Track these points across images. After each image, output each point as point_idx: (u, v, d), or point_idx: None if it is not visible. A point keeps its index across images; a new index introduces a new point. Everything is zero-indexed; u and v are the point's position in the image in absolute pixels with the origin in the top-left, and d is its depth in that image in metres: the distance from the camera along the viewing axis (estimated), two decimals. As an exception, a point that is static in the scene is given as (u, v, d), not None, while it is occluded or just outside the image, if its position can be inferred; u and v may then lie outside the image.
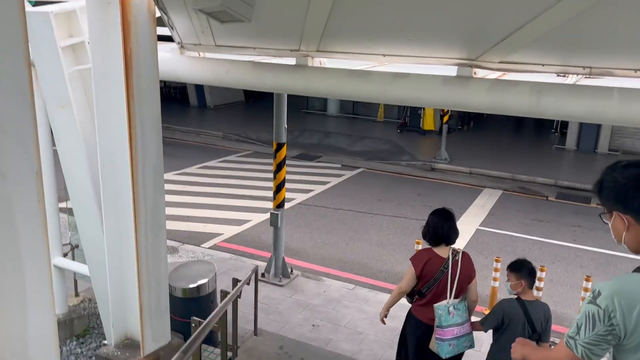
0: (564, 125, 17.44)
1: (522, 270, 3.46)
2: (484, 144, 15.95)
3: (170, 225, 9.12)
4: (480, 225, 9.59)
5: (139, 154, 3.48)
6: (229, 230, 8.90)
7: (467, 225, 9.50)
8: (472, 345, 3.64)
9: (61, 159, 4.08)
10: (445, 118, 13.62)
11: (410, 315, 3.85)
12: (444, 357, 3.54)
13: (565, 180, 12.36)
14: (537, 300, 3.60)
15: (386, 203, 10.66)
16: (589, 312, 1.66)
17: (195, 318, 3.72)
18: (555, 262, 8.11)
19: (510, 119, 20.78)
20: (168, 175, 12.02)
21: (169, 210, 9.76)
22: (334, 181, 11.99)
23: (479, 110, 3.44)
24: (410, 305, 3.89)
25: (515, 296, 3.50)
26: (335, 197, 10.94)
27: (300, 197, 10.72)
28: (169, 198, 10.59)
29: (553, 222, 9.88)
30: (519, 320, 3.39)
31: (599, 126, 14.67)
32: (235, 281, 4.50)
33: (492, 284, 6.41)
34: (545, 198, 11.45)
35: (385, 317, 3.90)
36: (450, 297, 3.50)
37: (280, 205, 6.86)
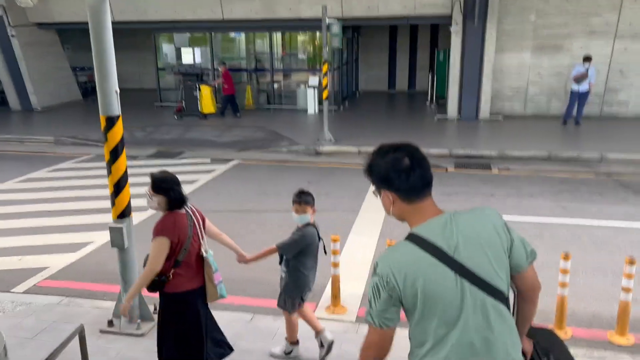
0: (440, 96, 16.84)
1: (297, 197, 3.86)
2: (364, 123, 14.56)
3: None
4: (389, 209, 7.93)
5: None
6: (59, 261, 6.18)
7: (375, 212, 7.78)
8: None
9: None
10: (325, 94, 11.89)
11: (173, 297, 3.53)
12: (227, 296, 3.77)
13: (459, 148, 11.32)
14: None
15: (273, 197, 8.59)
16: (373, 284, 1.86)
17: None
18: (488, 240, 6.69)
19: (382, 96, 19.92)
20: (-32, 196, 8.72)
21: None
22: (204, 178, 9.62)
23: None
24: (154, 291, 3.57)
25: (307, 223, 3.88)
26: (207, 197, 8.61)
27: (161, 203, 8.21)
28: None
29: (464, 194, 8.59)
30: (316, 240, 3.91)
31: (478, 93, 14.02)
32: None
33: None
34: (445, 170, 10.22)
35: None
36: (204, 243, 3.64)
37: (123, 215, 4.45)
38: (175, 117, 15.34)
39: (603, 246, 6.39)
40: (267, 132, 13.26)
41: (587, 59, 12.54)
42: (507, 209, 7.83)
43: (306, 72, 17.22)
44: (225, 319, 4.67)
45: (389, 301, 1.83)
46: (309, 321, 4.20)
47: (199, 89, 15.05)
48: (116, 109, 4.22)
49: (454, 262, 1.79)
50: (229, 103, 15.35)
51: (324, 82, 11.71)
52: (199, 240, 3.61)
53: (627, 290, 4.30)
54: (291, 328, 4.18)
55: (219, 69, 15.48)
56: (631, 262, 4.23)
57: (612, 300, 5.11)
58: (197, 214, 3.68)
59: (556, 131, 12.81)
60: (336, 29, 11.20)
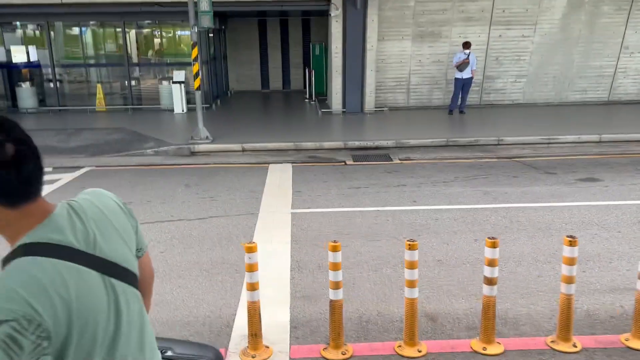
0: (319, 92, 15.83)
1: None
2: (243, 121, 12.93)
3: None
4: (293, 209, 6.47)
5: None
6: None
7: (279, 213, 6.28)
8: None
9: None
10: (196, 83, 10.07)
11: None
12: None
13: (353, 141, 10.22)
14: None
15: (143, 206, 6.64)
16: (4, 338, 1.06)
17: None
18: (421, 234, 5.52)
19: (257, 95, 18.43)
20: None
21: None
22: (46, 190, 7.30)
23: None
24: None
25: None
26: (49, 213, 6.37)
27: (-23, 226, 5.84)
28: None
29: (374, 187, 7.43)
30: None
31: (362, 85, 13.16)
32: None
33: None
34: (343, 163, 9.03)
35: None
36: None
37: None
38: None
39: (549, 229, 5.54)
40: (127, 134, 11.03)
41: (466, 45, 12.28)
42: (426, 198, 6.79)
43: (169, 66, 15.15)
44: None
45: (40, 350, 1.09)
46: None
47: None
48: None
49: (97, 260, 1.29)
50: None
51: (195, 68, 9.89)
52: None
53: (646, 278, 3.28)
54: None
55: None
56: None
57: (598, 293, 4.15)
58: None
59: (444, 120, 12.36)
60: (205, 5, 9.47)
